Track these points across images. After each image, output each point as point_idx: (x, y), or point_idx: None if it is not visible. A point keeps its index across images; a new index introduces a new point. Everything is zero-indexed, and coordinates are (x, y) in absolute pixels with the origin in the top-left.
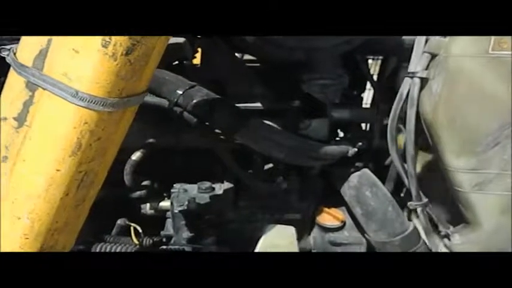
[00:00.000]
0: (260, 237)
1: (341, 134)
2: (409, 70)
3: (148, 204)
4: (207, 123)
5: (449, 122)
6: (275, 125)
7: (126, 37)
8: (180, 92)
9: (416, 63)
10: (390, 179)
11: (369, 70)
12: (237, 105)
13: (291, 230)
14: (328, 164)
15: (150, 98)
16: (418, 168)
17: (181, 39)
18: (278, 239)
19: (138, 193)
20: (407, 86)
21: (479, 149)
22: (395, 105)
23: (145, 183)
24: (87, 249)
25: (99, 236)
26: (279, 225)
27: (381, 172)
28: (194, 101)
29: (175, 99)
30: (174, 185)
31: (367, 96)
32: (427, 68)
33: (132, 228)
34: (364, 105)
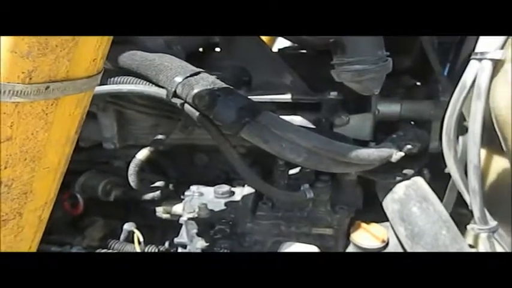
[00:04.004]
0: None
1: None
2: (476, 50)
3: (161, 208)
4: (210, 118)
5: None
6: (305, 121)
7: None
8: (179, 80)
9: (487, 41)
10: (452, 190)
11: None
12: (258, 97)
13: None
14: (368, 170)
15: (148, 88)
16: (486, 181)
17: None
18: None
19: (150, 195)
20: (474, 71)
21: None
22: (455, 96)
23: (158, 184)
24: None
25: (105, 241)
26: (300, 244)
27: (441, 182)
28: (195, 90)
29: (173, 89)
30: (191, 187)
31: None
32: (502, 46)
33: (135, 235)
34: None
